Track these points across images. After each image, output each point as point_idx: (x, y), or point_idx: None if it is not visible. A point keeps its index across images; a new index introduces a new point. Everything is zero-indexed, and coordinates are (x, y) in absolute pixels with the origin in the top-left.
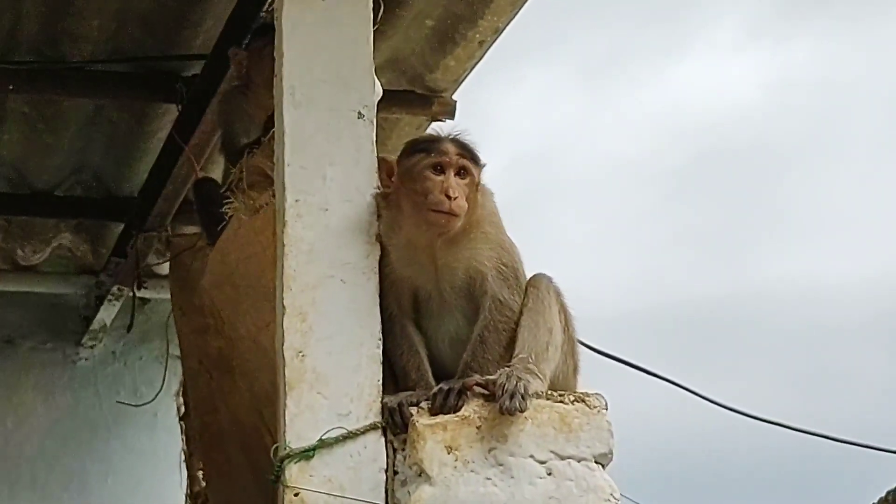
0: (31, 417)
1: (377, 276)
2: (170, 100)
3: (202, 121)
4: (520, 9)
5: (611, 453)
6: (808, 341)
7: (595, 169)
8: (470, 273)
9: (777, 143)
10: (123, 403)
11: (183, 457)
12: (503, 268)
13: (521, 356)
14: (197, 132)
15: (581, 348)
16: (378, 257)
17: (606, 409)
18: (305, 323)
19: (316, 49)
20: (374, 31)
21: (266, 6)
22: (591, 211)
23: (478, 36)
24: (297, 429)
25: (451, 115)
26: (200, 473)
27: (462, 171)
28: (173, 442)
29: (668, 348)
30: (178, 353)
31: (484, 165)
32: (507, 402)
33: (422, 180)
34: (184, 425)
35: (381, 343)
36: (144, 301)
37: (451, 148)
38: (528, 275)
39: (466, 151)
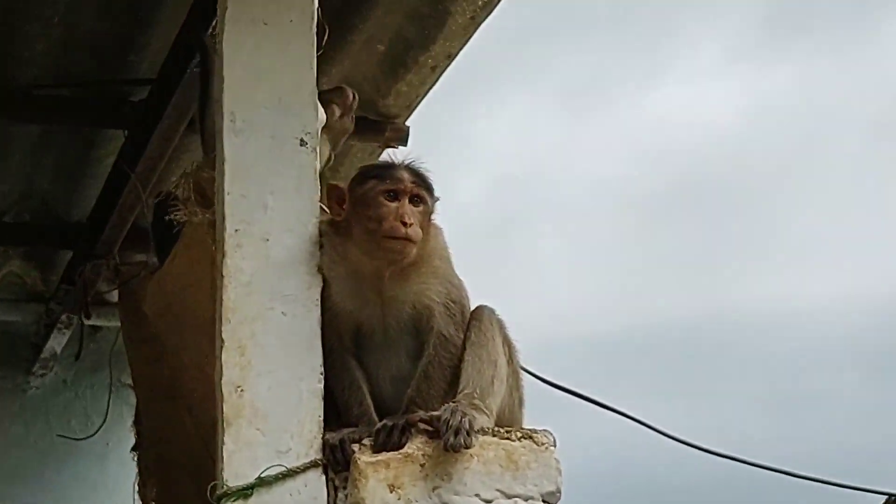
0: None
1: (319, 308)
2: (117, 125)
3: (149, 146)
4: (472, 34)
5: (559, 491)
6: (782, 364)
7: (576, 192)
8: (417, 308)
9: (755, 167)
10: (66, 437)
11: (136, 487)
12: (451, 304)
13: (465, 391)
14: (144, 158)
15: (526, 379)
16: (320, 289)
17: (554, 446)
18: (244, 357)
19: (258, 74)
20: (323, 56)
21: (210, 29)
22: (571, 234)
23: (430, 61)
24: (235, 466)
25: (404, 142)
26: None
27: (416, 199)
28: (124, 472)
29: (645, 370)
30: (127, 381)
31: (437, 199)
32: (451, 439)
33: (376, 206)
34: (137, 455)
35: (322, 378)
36: (95, 329)
37: (405, 175)
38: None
39: (421, 179)
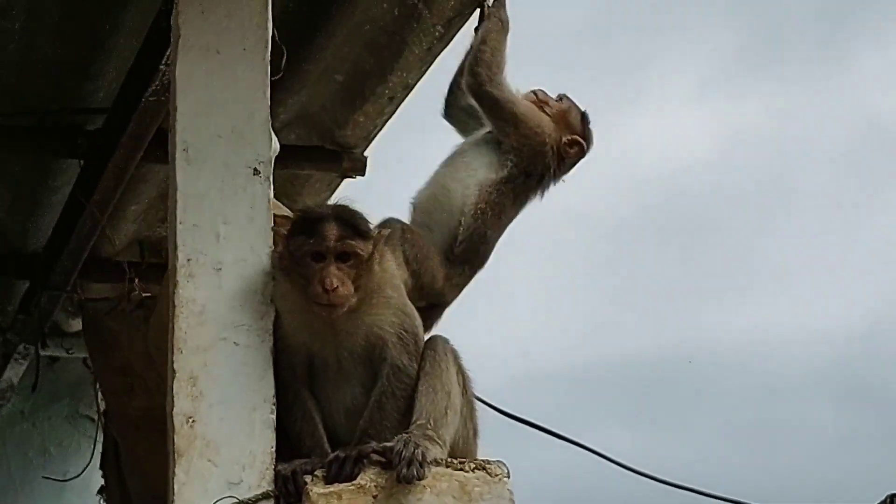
0: None
1: (272, 338)
2: (73, 154)
3: (104, 176)
4: (430, 65)
5: None
6: (754, 395)
7: (546, 223)
8: (370, 339)
9: (727, 195)
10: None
11: None
12: (404, 333)
13: (419, 422)
14: (99, 187)
15: (481, 409)
16: (272, 319)
17: (508, 477)
18: (196, 387)
19: (210, 103)
20: (280, 86)
21: (164, 59)
22: (540, 265)
23: (387, 92)
24: (186, 498)
25: (362, 172)
26: None
27: (344, 256)
28: (82, 503)
29: (614, 402)
30: (86, 412)
31: (378, 236)
32: (404, 471)
33: (302, 266)
34: (102, 498)
35: (275, 408)
36: (53, 359)
37: (331, 232)
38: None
39: (349, 231)
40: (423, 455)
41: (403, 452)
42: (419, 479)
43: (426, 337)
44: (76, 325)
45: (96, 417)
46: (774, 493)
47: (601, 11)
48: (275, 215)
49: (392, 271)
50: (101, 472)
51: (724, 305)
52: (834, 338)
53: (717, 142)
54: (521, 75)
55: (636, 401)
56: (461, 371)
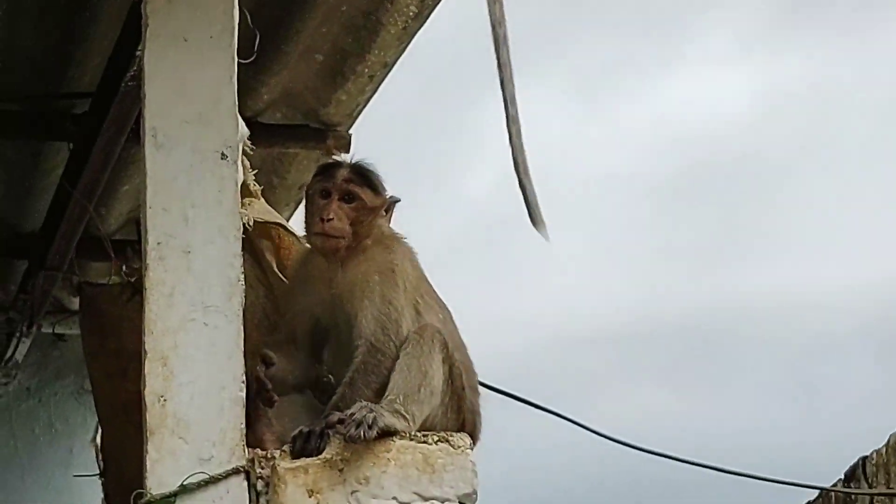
0: None
1: (240, 318)
2: (61, 138)
3: (91, 159)
4: (407, 44)
5: (475, 493)
6: (796, 353)
7: (587, 183)
8: (354, 315)
9: (767, 153)
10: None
11: None
12: (383, 317)
13: (389, 397)
14: (87, 171)
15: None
16: (242, 300)
17: (471, 449)
18: (167, 367)
19: (179, 89)
20: (262, 66)
21: (140, 45)
22: (582, 225)
23: (367, 70)
24: (159, 474)
25: (347, 149)
26: None
27: (348, 196)
28: (88, 478)
29: (658, 361)
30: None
31: (389, 198)
32: (351, 430)
33: (310, 203)
34: (103, 481)
35: (244, 386)
36: (59, 337)
37: (340, 173)
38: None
39: (358, 178)
40: (374, 420)
41: (356, 416)
42: (364, 439)
43: None
44: (78, 303)
45: None
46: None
47: None
48: (268, 223)
49: (386, 259)
50: (99, 455)
51: (765, 263)
52: (876, 293)
53: (758, 99)
54: (562, 37)
55: (678, 361)
56: (449, 359)
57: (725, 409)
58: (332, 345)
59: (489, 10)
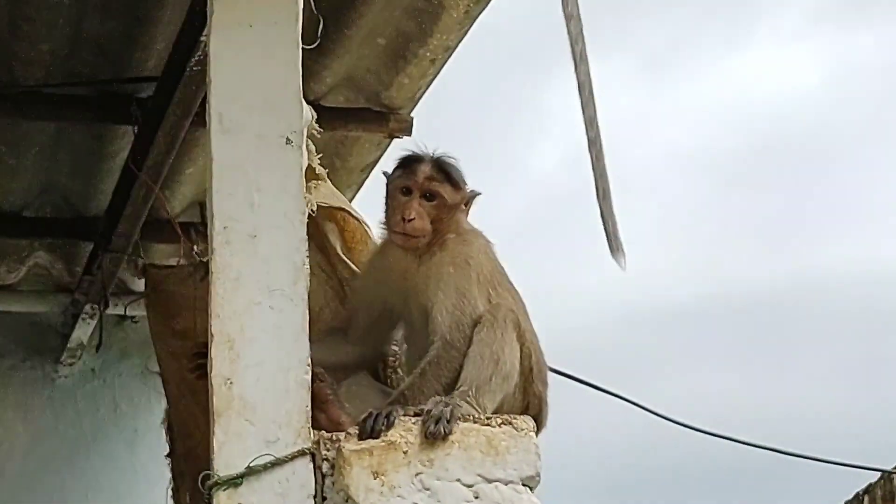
0: (12, 436)
1: (305, 301)
2: (126, 121)
3: (155, 142)
4: (469, 27)
5: (538, 476)
6: (865, 327)
7: (656, 159)
8: (429, 309)
9: (836, 129)
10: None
11: (170, 493)
12: (458, 313)
13: (461, 389)
14: (151, 154)
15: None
16: (307, 283)
17: (534, 432)
18: (233, 350)
19: (244, 75)
20: (324, 51)
21: (206, 30)
22: (651, 201)
23: (429, 54)
24: (225, 456)
25: (409, 132)
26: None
27: (429, 195)
28: (153, 457)
29: (726, 337)
30: (155, 368)
31: (470, 194)
32: (431, 427)
33: (391, 200)
34: (170, 461)
35: (309, 369)
36: (122, 318)
37: (422, 170)
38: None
39: (440, 175)
40: (451, 413)
41: (433, 411)
42: (446, 434)
43: None
44: (143, 284)
45: None
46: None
47: None
48: (332, 207)
49: (463, 252)
50: (166, 436)
51: (833, 239)
52: None
53: (827, 75)
54: (630, 13)
55: (744, 339)
56: (521, 338)
57: (791, 387)
58: (405, 333)
59: (563, 5)
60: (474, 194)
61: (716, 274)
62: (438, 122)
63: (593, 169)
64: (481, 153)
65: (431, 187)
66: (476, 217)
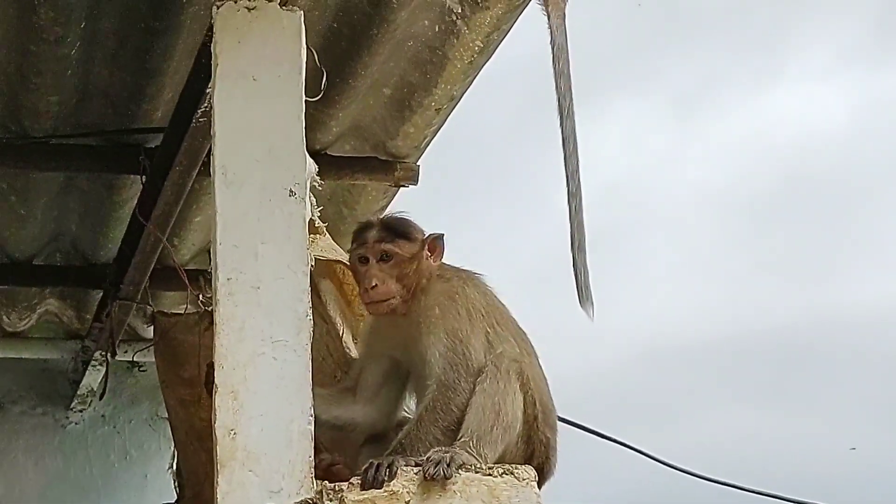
0: (22, 481)
1: (308, 352)
2: (134, 171)
3: (163, 191)
4: (474, 77)
5: None
6: (892, 367)
7: (683, 198)
8: (422, 357)
9: (864, 167)
10: None
11: None
12: (451, 354)
13: (462, 439)
14: (159, 203)
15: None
16: (310, 334)
17: (536, 482)
18: (237, 401)
19: (248, 127)
20: (330, 101)
21: (210, 83)
22: (679, 239)
23: (434, 104)
24: None
25: (415, 181)
26: None
27: (385, 256)
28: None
29: (754, 376)
30: (164, 414)
31: (425, 238)
32: (431, 469)
33: (354, 273)
34: None
35: (311, 419)
36: (133, 364)
37: (371, 235)
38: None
39: (388, 234)
40: (452, 458)
41: (433, 457)
42: (446, 477)
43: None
44: (152, 331)
45: None
46: None
47: None
48: (331, 261)
49: (441, 291)
50: (174, 481)
51: (861, 279)
52: None
53: (855, 113)
54: (659, 53)
55: (770, 377)
56: (525, 387)
57: (818, 426)
58: (415, 387)
59: (553, 62)
60: (434, 236)
61: (742, 312)
62: (447, 168)
63: (570, 221)
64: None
65: (384, 248)
66: (501, 257)
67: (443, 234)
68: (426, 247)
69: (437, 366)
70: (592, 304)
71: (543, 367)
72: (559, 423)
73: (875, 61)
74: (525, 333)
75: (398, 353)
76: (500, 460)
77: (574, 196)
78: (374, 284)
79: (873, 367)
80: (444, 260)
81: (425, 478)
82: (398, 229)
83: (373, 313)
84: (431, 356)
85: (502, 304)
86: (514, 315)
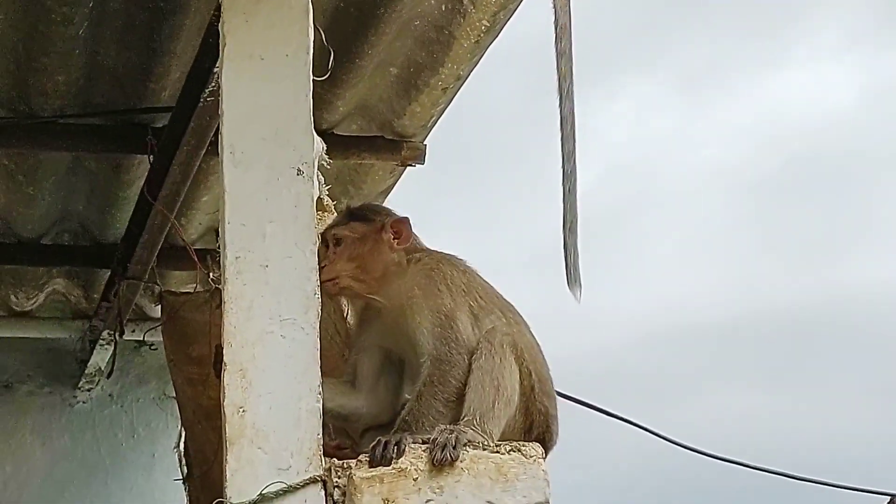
0: (30, 461)
1: (317, 330)
2: (142, 151)
3: (171, 171)
4: (480, 56)
5: (547, 502)
6: None
7: (690, 178)
8: (411, 339)
9: (872, 148)
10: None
11: None
12: (438, 329)
13: (466, 418)
14: (167, 183)
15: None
16: (318, 312)
17: (543, 458)
18: (245, 379)
19: (255, 107)
20: (337, 80)
21: (218, 63)
22: (686, 220)
23: (440, 83)
24: (238, 484)
25: (422, 160)
26: None
27: (336, 240)
28: (170, 482)
29: (759, 356)
30: (171, 394)
31: (384, 219)
32: (438, 454)
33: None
34: (186, 487)
35: (320, 397)
36: (140, 344)
37: (327, 223)
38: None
39: (345, 218)
40: (457, 439)
41: (439, 440)
42: (452, 460)
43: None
44: (159, 311)
45: None
46: None
47: None
48: None
49: (416, 274)
50: (182, 461)
51: (868, 259)
52: None
53: (863, 95)
54: (668, 34)
55: (777, 358)
56: (520, 359)
57: (821, 407)
58: (408, 374)
59: (556, 42)
60: (398, 219)
61: (749, 293)
62: (453, 148)
63: (564, 201)
64: (512, 173)
65: (334, 232)
66: (508, 235)
67: (407, 217)
68: (386, 228)
69: (428, 343)
70: (580, 286)
71: (535, 335)
72: (572, 405)
73: (883, 43)
74: (511, 305)
75: (388, 343)
76: (502, 433)
77: (569, 177)
78: (324, 264)
79: (880, 347)
80: (447, 247)
81: (433, 463)
82: (357, 213)
83: (328, 294)
84: (420, 335)
85: (484, 280)
86: (497, 290)
